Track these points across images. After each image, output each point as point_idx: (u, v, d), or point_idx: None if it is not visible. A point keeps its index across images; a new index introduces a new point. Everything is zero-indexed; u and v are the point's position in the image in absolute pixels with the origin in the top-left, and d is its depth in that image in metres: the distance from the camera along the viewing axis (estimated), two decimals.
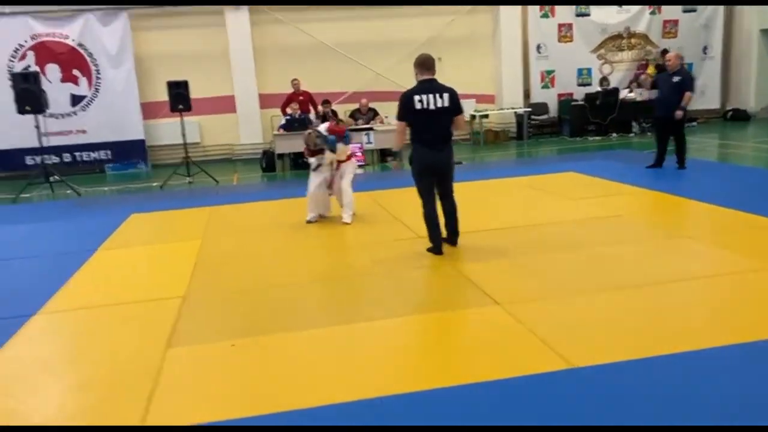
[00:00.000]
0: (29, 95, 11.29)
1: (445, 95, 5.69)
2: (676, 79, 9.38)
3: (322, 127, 7.38)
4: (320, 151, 7.24)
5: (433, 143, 5.74)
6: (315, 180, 7.48)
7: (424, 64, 5.75)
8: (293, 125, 12.65)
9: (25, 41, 13.71)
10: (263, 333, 4.32)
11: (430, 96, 5.63)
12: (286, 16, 14.74)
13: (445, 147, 5.81)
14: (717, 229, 6.48)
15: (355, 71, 15.07)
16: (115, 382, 3.76)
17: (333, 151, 7.19)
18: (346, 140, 7.39)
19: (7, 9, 13.44)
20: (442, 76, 5.78)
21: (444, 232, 6.04)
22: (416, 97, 5.63)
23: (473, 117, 15.44)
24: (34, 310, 5.03)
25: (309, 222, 7.56)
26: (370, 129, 12.72)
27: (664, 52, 15.77)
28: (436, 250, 5.92)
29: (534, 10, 15.69)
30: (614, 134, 15.11)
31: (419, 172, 5.86)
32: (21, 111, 11.35)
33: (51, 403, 3.62)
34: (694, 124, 15.31)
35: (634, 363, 3.53)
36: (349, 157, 7.51)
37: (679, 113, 9.26)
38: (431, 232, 5.96)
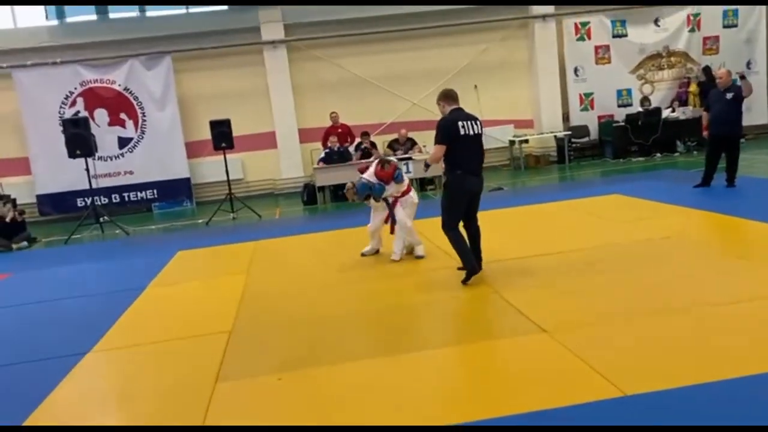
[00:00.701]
0: (79, 140, 11.71)
1: (478, 122, 5.90)
2: (729, 95, 9.22)
3: (370, 172, 7.05)
4: (366, 198, 7.19)
5: (475, 169, 5.87)
6: (376, 217, 7.32)
7: (450, 95, 5.98)
8: (333, 158, 12.82)
9: (75, 88, 14.29)
10: (309, 366, 4.32)
11: (468, 122, 5.79)
12: (323, 52, 15.04)
13: (481, 171, 5.98)
14: None
15: (391, 102, 15.23)
16: (166, 417, 3.80)
17: (377, 200, 7.10)
18: (398, 179, 7.04)
19: (58, 59, 14.05)
20: (472, 104, 5.80)
21: None
22: (459, 123, 5.73)
23: (512, 143, 15.39)
24: (88, 348, 5.15)
25: (363, 255, 7.45)
26: (409, 159, 12.76)
27: (706, 69, 15.53)
28: (475, 270, 5.85)
29: (569, 33, 15.64)
30: (658, 154, 14.84)
31: (458, 197, 5.86)
32: (72, 155, 11.77)
33: None
34: (743, 140, 14.92)
35: (691, 389, 3.40)
36: (405, 192, 7.23)
37: None
38: (467, 255, 5.89)
